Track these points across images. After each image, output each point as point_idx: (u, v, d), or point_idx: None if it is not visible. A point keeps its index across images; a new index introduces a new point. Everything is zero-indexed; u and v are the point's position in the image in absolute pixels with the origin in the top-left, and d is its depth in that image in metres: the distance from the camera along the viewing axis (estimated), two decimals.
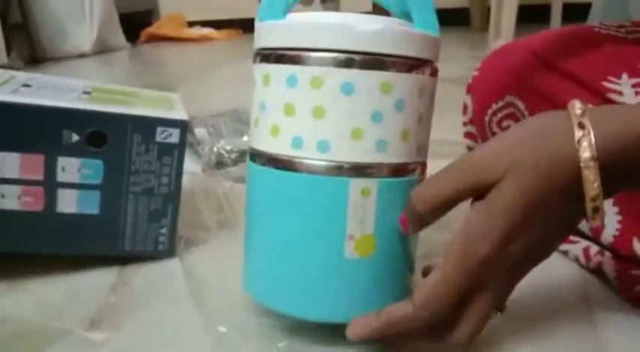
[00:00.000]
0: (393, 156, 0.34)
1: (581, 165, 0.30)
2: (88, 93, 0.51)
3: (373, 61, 0.33)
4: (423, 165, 0.38)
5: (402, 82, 0.34)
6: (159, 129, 0.48)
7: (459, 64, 1.57)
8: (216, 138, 0.81)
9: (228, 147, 0.72)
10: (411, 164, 0.36)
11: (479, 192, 0.32)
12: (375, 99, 0.33)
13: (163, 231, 0.51)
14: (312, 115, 0.33)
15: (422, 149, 0.37)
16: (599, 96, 0.47)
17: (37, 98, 0.45)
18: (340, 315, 0.36)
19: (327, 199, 0.34)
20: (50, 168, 0.46)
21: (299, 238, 0.35)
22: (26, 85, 0.49)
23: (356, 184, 0.34)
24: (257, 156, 0.37)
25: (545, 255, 0.34)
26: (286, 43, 0.34)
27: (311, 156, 0.34)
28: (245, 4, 2.89)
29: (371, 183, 0.34)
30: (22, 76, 0.53)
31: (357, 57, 0.33)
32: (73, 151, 0.46)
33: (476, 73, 0.62)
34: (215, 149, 0.72)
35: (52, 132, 0.45)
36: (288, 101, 0.34)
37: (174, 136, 0.48)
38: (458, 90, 0.97)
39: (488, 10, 2.13)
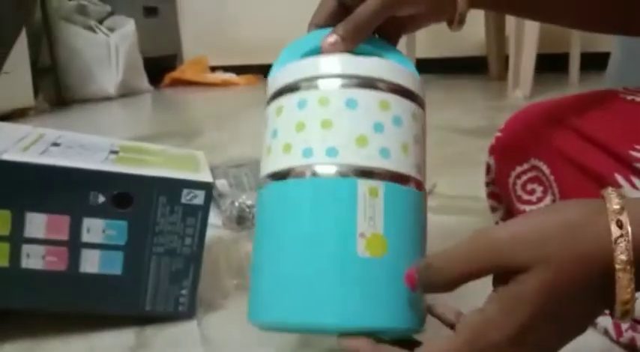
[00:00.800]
0: (395, 164, 0.37)
1: (617, 267, 0.28)
2: (115, 152, 0.52)
3: (372, 83, 0.38)
4: (421, 185, 0.39)
5: (397, 102, 0.38)
6: (184, 192, 0.48)
7: (478, 114, 1.58)
8: (237, 190, 0.81)
9: (249, 202, 0.72)
10: (412, 178, 0.38)
11: (499, 273, 0.31)
12: (375, 113, 0.37)
13: (184, 291, 0.50)
14: (321, 127, 0.37)
15: (420, 170, 0.39)
16: (627, 166, 0.47)
17: (65, 159, 0.46)
18: (354, 319, 0.34)
19: (338, 199, 0.36)
20: (75, 229, 0.46)
21: (313, 243, 0.35)
22: (55, 144, 0.50)
23: (364, 184, 0.36)
24: (268, 178, 0.38)
25: (561, 345, 0.33)
26: (298, 76, 0.39)
27: (321, 162, 0.36)
28: (265, 50, 2.96)
29: (378, 184, 0.36)
30: (51, 134, 0.54)
31: (359, 80, 0.38)
32: (99, 212, 0.46)
33: (499, 134, 0.62)
34: (236, 204, 0.72)
35: (79, 194, 0.46)
36: (300, 120, 0.37)
37: (199, 198, 0.49)
38: (477, 142, 0.97)
39: (506, 58, 2.14)
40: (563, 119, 0.54)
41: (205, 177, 0.50)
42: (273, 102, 0.40)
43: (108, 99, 2.39)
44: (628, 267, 0.28)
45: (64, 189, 0.45)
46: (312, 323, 0.35)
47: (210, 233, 0.53)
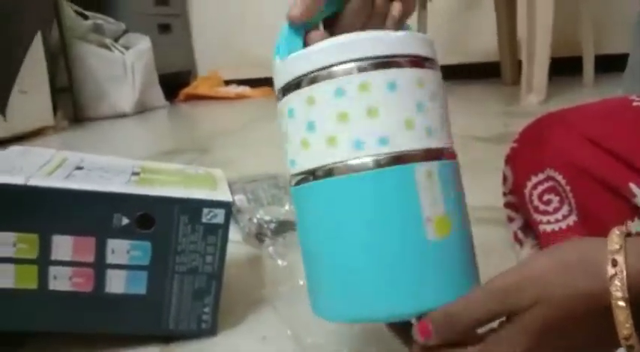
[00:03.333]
0: (439, 140, 0.37)
1: (613, 303, 0.30)
2: (137, 173, 0.53)
3: (408, 60, 0.37)
4: (454, 151, 0.40)
5: (429, 76, 0.38)
6: (205, 211, 0.49)
7: (493, 121, 1.58)
8: (255, 205, 0.82)
9: (267, 218, 0.73)
10: (451, 148, 0.39)
11: (510, 314, 0.33)
12: (415, 92, 0.37)
13: (206, 309, 0.51)
14: (367, 116, 0.36)
15: (450, 134, 0.40)
16: None
17: (89, 183, 0.48)
18: (432, 301, 0.35)
19: (400, 189, 0.36)
20: (100, 250, 0.48)
21: (384, 236, 0.35)
22: (79, 168, 0.52)
23: (420, 168, 0.36)
24: (310, 174, 0.37)
25: None
26: (324, 62, 0.37)
27: (374, 153, 0.36)
28: None
29: (432, 166, 0.36)
30: (74, 157, 0.55)
31: (393, 59, 0.36)
32: (123, 234, 0.48)
33: (514, 145, 0.62)
34: (255, 220, 0.73)
35: (103, 216, 0.47)
36: (341, 110, 0.36)
37: (219, 217, 0.50)
38: (494, 149, 0.96)
39: (519, 62, 2.14)
40: (578, 129, 0.54)
41: (224, 196, 0.51)
42: (299, 92, 0.37)
43: (125, 115, 2.43)
44: (623, 304, 0.29)
45: (89, 212, 0.47)
46: (395, 314, 0.36)
47: (231, 249, 0.55)
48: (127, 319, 0.50)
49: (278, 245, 0.68)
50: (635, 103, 0.53)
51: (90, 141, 2.00)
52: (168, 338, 0.52)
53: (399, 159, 0.36)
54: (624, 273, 0.29)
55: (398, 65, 0.36)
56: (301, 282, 0.56)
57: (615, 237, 0.31)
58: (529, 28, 1.95)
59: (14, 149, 0.56)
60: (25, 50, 1.97)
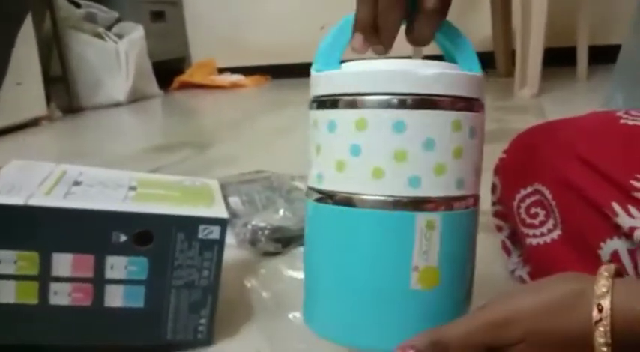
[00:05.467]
0: (449, 189, 0.38)
1: (595, 348, 0.31)
2: (134, 188, 0.54)
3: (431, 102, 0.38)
4: (471, 199, 0.40)
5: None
6: (201, 228, 0.50)
7: (486, 116, 1.58)
8: (250, 207, 0.83)
9: (262, 224, 0.74)
10: (468, 196, 0.39)
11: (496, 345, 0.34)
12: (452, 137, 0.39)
13: (202, 321, 0.53)
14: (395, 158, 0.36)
15: (468, 182, 0.40)
16: (626, 194, 0.48)
17: (88, 201, 0.49)
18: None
19: (398, 233, 0.36)
20: (99, 267, 0.49)
21: (373, 273, 0.37)
22: (77, 183, 0.53)
23: (422, 217, 0.36)
24: (330, 197, 0.38)
25: None
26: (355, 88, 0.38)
27: (381, 193, 0.37)
28: (272, 51, 2.98)
29: (436, 217, 0.36)
30: (72, 171, 0.56)
31: (409, 98, 0.37)
32: (121, 250, 0.49)
33: (503, 156, 0.64)
34: (249, 227, 0.74)
35: (102, 234, 0.48)
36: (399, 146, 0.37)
37: (214, 233, 0.51)
38: (486, 149, 0.97)
39: (514, 53, 2.14)
40: (566, 144, 0.55)
41: (220, 212, 0.52)
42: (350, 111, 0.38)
43: (119, 105, 2.42)
44: (605, 349, 0.31)
45: (88, 230, 0.48)
46: (373, 347, 0.38)
47: (226, 253, 0.56)
48: (126, 331, 0.51)
49: (260, 277, 0.68)
50: (622, 121, 0.54)
51: (84, 133, 2.00)
52: (166, 348, 0.53)
53: (402, 204, 0.36)
54: (609, 319, 0.30)
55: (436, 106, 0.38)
56: (290, 316, 0.57)
57: (603, 279, 0.32)
58: (523, 20, 1.95)
59: (14, 164, 0.56)
60: (10, 39, 1.95)
